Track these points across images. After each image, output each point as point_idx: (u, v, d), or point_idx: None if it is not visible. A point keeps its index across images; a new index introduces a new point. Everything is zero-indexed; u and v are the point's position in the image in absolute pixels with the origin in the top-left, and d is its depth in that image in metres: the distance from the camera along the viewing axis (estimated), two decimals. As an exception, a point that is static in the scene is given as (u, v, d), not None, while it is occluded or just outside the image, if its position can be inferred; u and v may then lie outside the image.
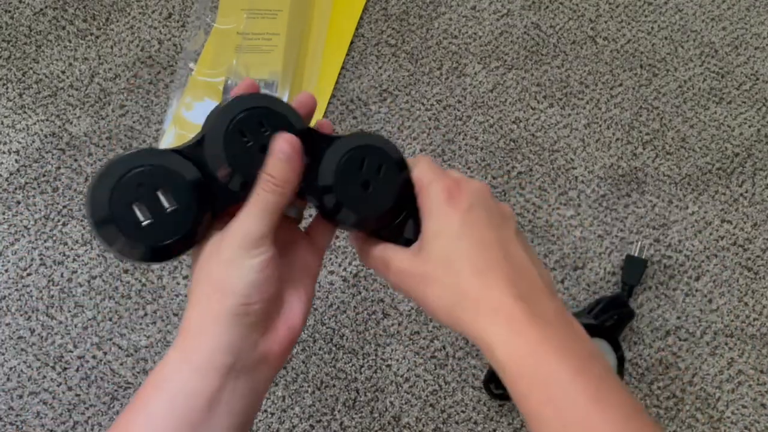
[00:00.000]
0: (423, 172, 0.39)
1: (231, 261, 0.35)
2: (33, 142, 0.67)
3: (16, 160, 0.66)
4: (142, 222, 0.35)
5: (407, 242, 0.39)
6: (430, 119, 0.68)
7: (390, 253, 0.38)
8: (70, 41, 0.71)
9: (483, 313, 0.34)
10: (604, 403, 0.32)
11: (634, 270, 0.62)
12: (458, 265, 0.35)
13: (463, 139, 0.68)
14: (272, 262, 0.35)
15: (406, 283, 0.37)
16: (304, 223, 0.43)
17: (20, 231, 0.64)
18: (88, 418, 0.58)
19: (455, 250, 0.35)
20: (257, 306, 0.35)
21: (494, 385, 0.57)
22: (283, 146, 0.36)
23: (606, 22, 0.73)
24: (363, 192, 0.39)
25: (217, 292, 0.35)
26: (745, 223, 0.65)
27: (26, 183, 0.65)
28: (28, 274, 0.62)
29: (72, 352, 0.60)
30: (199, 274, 0.36)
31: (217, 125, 0.37)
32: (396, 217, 0.40)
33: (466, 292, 0.35)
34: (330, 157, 0.39)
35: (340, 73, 0.70)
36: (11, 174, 0.66)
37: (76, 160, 0.66)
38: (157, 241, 0.36)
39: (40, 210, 0.64)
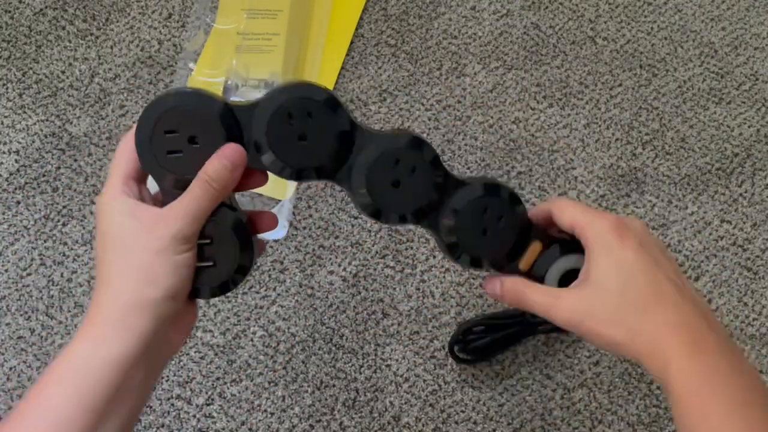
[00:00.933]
0: (578, 212, 0.40)
1: (163, 253, 0.35)
2: (33, 142, 0.67)
3: (16, 160, 0.66)
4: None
5: (541, 279, 0.41)
6: (429, 119, 0.68)
7: (551, 297, 0.39)
8: (70, 41, 0.71)
9: (659, 344, 0.36)
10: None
11: None
12: (635, 302, 0.37)
13: (463, 139, 0.68)
14: (194, 258, 0.36)
15: (578, 323, 0.38)
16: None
17: (20, 231, 0.64)
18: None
19: (631, 287, 0.37)
20: (180, 300, 0.36)
21: (459, 348, 0.59)
22: (233, 155, 0.37)
23: (606, 22, 0.73)
24: (481, 236, 0.41)
25: (145, 283, 0.35)
26: (744, 223, 0.65)
27: (26, 183, 0.65)
28: (28, 274, 0.62)
29: (72, 352, 0.60)
30: (121, 262, 0.35)
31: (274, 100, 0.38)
32: (515, 254, 0.41)
33: (641, 328, 0.36)
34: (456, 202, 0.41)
35: (339, 73, 0.70)
36: (11, 174, 0.66)
37: (76, 160, 0.66)
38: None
39: (40, 210, 0.64)
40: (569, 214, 0.40)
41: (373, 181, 0.39)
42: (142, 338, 0.34)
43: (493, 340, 0.59)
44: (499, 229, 0.41)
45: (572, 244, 0.41)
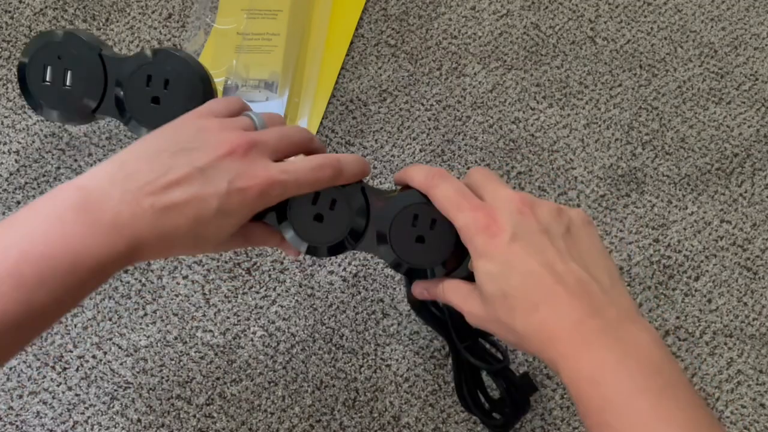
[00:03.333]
0: (447, 203, 0.38)
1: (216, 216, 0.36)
2: (33, 142, 0.67)
3: (16, 160, 0.66)
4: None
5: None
6: (429, 119, 0.68)
7: (461, 299, 0.39)
8: (70, 41, 0.71)
9: (545, 345, 0.35)
10: (660, 422, 0.31)
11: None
12: (513, 305, 0.35)
13: (463, 139, 0.68)
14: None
15: (480, 326, 0.38)
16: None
17: (20, 231, 0.64)
18: (88, 417, 0.58)
19: (507, 290, 0.36)
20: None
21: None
22: (366, 166, 0.41)
23: (605, 22, 0.73)
24: (419, 247, 0.41)
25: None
26: (744, 223, 0.65)
27: (26, 183, 0.65)
28: (28, 274, 0.62)
29: (72, 351, 0.60)
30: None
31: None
32: (462, 258, 0.41)
33: (525, 330, 0.35)
34: (384, 214, 0.41)
35: (339, 73, 0.70)
36: (11, 174, 0.66)
37: (76, 160, 0.66)
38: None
39: (40, 210, 0.64)
40: (445, 205, 0.38)
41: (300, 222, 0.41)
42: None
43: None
44: (434, 234, 0.40)
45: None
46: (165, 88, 0.41)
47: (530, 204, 0.37)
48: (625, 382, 0.32)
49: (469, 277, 0.40)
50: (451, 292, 0.40)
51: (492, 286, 0.36)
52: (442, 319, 0.54)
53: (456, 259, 0.41)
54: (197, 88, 0.41)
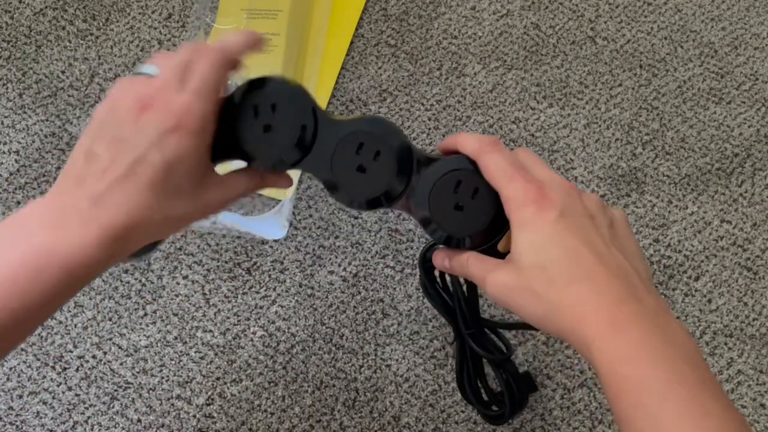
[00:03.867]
0: (498, 173, 0.38)
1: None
2: (33, 142, 0.67)
3: (16, 160, 0.66)
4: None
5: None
6: (429, 119, 0.68)
7: (485, 270, 0.39)
8: (70, 41, 0.71)
9: (579, 321, 0.34)
10: (695, 416, 0.31)
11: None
12: (552, 277, 0.35)
13: (463, 139, 0.68)
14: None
15: (503, 297, 0.38)
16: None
17: (20, 231, 0.64)
18: (88, 418, 0.58)
19: (547, 263, 0.36)
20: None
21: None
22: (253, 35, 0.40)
23: (605, 22, 0.73)
24: (458, 215, 0.40)
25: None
26: (744, 223, 0.65)
27: (26, 183, 0.65)
28: (28, 274, 0.62)
29: (72, 352, 0.60)
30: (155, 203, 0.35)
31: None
32: (495, 235, 0.40)
33: (561, 303, 0.35)
34: (425, 182, 0.40)
35: (340, 73, 0.70)
36: (11, 174, 0.66)
37: (76, 160, 0.66)
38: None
39: (40, 210, 0.64)
40: (496, 175, 0.38)
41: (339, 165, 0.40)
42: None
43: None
44: (474, 204, 0.39)
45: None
46: (374, 159, 0.39)
47: (578, 191, 0.38)
48: (665, 366, 0.32)
49: (496, 257, 0.40)
50: (476, 263, 0.39)
51: (533, 256, 0.36)
52: (451, 304, 0.54)
53: (486, 235, 0.40)
54: (404, 163, 0.40)
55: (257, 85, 0.40)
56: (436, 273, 0.54)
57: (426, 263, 0.53)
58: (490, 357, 0.53)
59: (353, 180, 0.40)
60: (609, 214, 0.38)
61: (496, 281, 0.38)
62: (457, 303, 0.53)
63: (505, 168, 0.38)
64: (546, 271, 0.36)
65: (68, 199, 0.34)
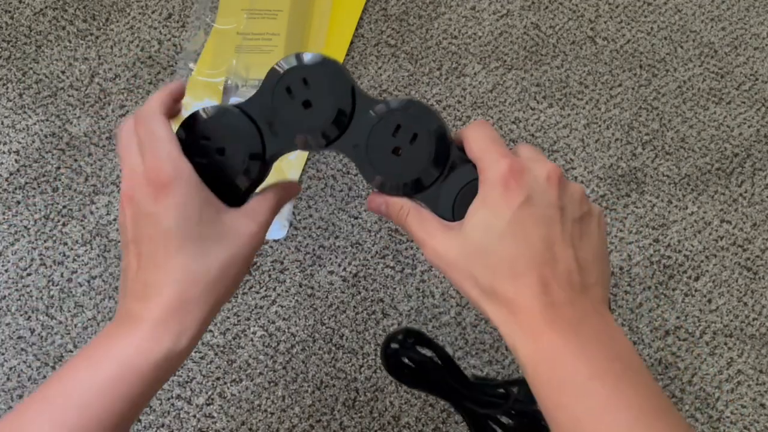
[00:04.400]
0: (484, 147, 0.37)
1: (233, 266, 0.37)
2: (33, 142, 0.67)
3: (16, 160, 0.66)
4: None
5: (444, 212, 0.39)
6: (429, 119, 0.68)
7: (426, 233, 0.37)
8: (70, 41, 0.71)
9: (510, 314, 0.34)
10: (618, 405, 0.31)
11: None
12: (494, 265, 0.34)
13: (463, 139, 0.68)
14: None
15: (440, 266, 0.37)
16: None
17: (20, 231, 0.64)
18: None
19: (497, 248, 0.34)
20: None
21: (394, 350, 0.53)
22: (293, 188, 0.42)
23: (605, 22, 0.73)
24: (393, 158, 0.39)
25: (203, 287, 0.36)
26: (744, 223, 0.65)
27: (26, 183, 0.65)
28: (28, 274, 0.62)
29: (72, 352, 0.60)
30: (190, 261, 0.36)
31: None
32: (424, 185, 0.39)
33: (497, 292, 0.34)
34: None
35: (339, 74, 0.70)
36: (11, 174, 0.66)
37: (76, 160, 0.66)
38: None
39: (40, 210, 0.64)
40: (477, 146, 0.37)
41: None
42: (198, 332, 0.35)
43: (417, 372, 0.52)
44: (412, 149, 0.39)
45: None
46: (411, 143, 0.38)
47: (562, 180, 0.36)
48: (585, 364, 0.32)
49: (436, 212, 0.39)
50: (416, 220, 0.38)
51: (483, 238, 0.35)
52: (435, 380, 0.52)
53: (419, 184, 0.39)
54: (441, 152, 0.39)
55: (296, 61, 0.40)
56: (404, 360, 0.52)
57: (389, 358, 0.51)
58: (495, 413, 0.51)
59: (388, 162, 0.39)
60: (585, 208, 0.37)
61: (437, 251, 0.36)
62: (438, 374, 0.51)
63: (485, 140, 0.37)
64: (489, 258, 0.35)
65: (129, 314, 0.36)
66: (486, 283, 0.35)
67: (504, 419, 0.52)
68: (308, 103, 0.39)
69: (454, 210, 0.39)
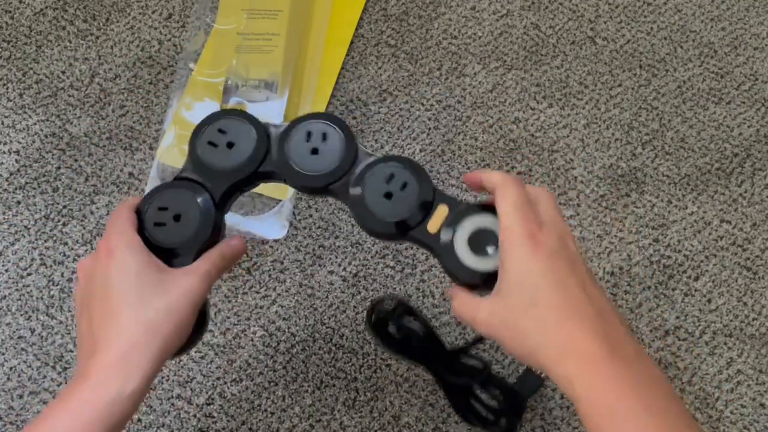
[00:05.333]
0: (508, 205, 0.39)
1: (175, 313, 0.39)
2: (33, 142, 0.67)
3: (16, 160, 0.66)
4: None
5: (451, 243, 0.42)
6: (429, 119, 0.69)
7: (474, 308, 0.40)
8: (70, 41, 0.71)
9: (566, 356, 0.36)
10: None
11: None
12: (542, 312, 0.37)
13: (463, 139, 0.68)
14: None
15: (493, 332, 0.39)
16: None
17: (20, 231, 0.64)
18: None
19: (539, 298, 0.37)
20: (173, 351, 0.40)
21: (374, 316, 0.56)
22: (239, 246, 0.44)
23: (605, 22, 0.73)
24: (385, 200, 0.44)
25: (152, 335, 0.38)
26: (744, 223, 0.65)
27: (26, 183, 0.65)
28: (28, 274, 0.62)
29: (72, 351, 0.60)
30: (130, 314, 0.39)
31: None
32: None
33: (549, 338, 0.36)
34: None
35: (339, 73, 0.70)
36: (11, 174, 0.66)
37: (76, 160, 0.66)
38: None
39: (40, 210, 0.64)
40: (502, 207, 0.40)
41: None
42: (145, 376, 0.37)
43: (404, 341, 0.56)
44: (403, 194, 0.43)
45: (482, 206, 0.42)
46: (401, 190, 0.44)
47: (571, 236, 0.40)
48: (639, 397, 0.34)
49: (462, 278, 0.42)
50: (461, 306, 0.41)
51: (524, 289, 0.37)
52: (415, 349, 0.55)
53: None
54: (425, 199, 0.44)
55: (313, 117, 0.46)
56: (390, 330, 0.56)
57: (376, 322, 0.55)
58: (471, 382, 0.54)
59: (380, 203, 0.43)
60: (588, 265, 0.41)
61: (487, 319, 0.39)
62: (420, 344, 0.54)
63: (515, 200, 0.39)
64: (537, 307, 0.37)
65: (81, 372, 0.38)
66: (538, 331, 0.37)
67: (484, 396, 0.55)
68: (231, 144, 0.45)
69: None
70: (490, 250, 0.41)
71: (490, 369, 0.54)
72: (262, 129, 0.45)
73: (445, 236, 0.42)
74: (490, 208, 0.42)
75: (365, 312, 0.58)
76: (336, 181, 0.44)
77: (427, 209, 0.43)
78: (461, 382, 0.54)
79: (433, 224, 0.42)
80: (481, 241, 0.41)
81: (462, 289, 0.42)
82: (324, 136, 0.45)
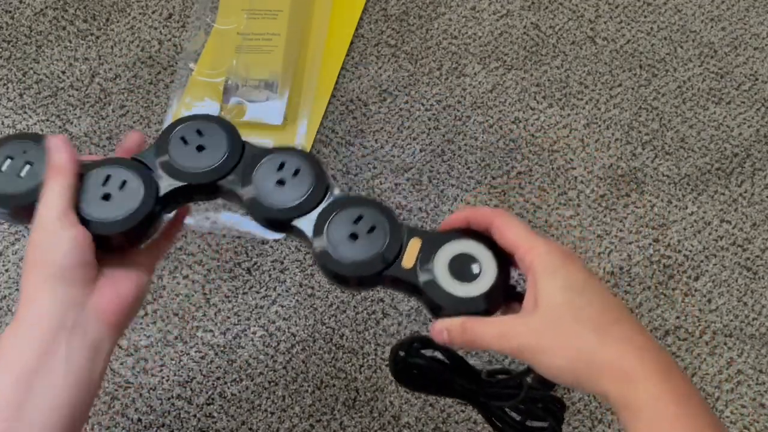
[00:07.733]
0: (521, 233, 0.39)
1: (49, 231, 0.39)
2: (33, 142, 0.67)
3: (17, 160, 0.66)
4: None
5: (431, 272, 0.40)
6: (429, 119, 0.69)
7: (507, 328, 0.38)
8: (70, 41, 0.71)
9: (619, 369, 0.35)
10: None
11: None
12: (589, 322, 0.36)
13: (463, 139, 0.68)
14: (82, 233, 0.40)
15: (526, 353, 0.37)
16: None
17: (20, 231, 0.64)
18: (89, 417, 0.58)
19: (585, 307, 0.36)
20: (74, 269, 0.39)
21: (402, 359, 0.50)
22: (56, 141, 0.42)
23: (605, 22, 0.73)
24: (350, 243, 0.41)
25: (39, 259, 0.39)
26: (744, 223, 0.65)
27: (26, 183, 0.65)
28: (29, 274, 0.62)
29: (72, 351, 0.60)
30: (28, 246, 0.39)
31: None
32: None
33: (599, 350, 0.35)
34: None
35: (340, 73, 0.70)
36: (11, 174, 0.66)
37: (76, 160, 0.66)
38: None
39: (40, 210, 0.64)
40: (513, 234, 0.39)
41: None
42: (47, 309, 0.38)
43: (434, 375, 0.50)
44: (370, 233, 0.41)
45: (456, 232, 0.41)
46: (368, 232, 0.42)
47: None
48: (707, 419, 0.34)
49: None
50: (482, 327, 0.38)
51: (568, 300, 0.36)
52: (448, 381, 0.50)
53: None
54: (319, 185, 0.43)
55: (283, 150, 0.44)
56: (415, 371, 0.50)
57: (400, 370, 0.49)
58: (513, 404, 0.50)
59: (344, 244, 0.41)
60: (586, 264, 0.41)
61: (521, 334, 0.37)
62: (451, 375, 0.49)
63: (522, 225, 0.39)
64: (583, 316, 0.35)
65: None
66: (585, 341, 0.35)
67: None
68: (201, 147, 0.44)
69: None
70: (475, 269, 0.40)
71: (528, 384, 0.49)
72: (239, 146, 0.44)
73: (423, 271, 0.40)
74: (460, 233, 0.40)
75: (386, 365, 0.54)
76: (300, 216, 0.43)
77: (398, 245, 0.41)
78: (499, 405, 0.49)
79: (408, 258, 0.40)
80: (462, 267, 0.40)
81: (468, 318, 0.39)
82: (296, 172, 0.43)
